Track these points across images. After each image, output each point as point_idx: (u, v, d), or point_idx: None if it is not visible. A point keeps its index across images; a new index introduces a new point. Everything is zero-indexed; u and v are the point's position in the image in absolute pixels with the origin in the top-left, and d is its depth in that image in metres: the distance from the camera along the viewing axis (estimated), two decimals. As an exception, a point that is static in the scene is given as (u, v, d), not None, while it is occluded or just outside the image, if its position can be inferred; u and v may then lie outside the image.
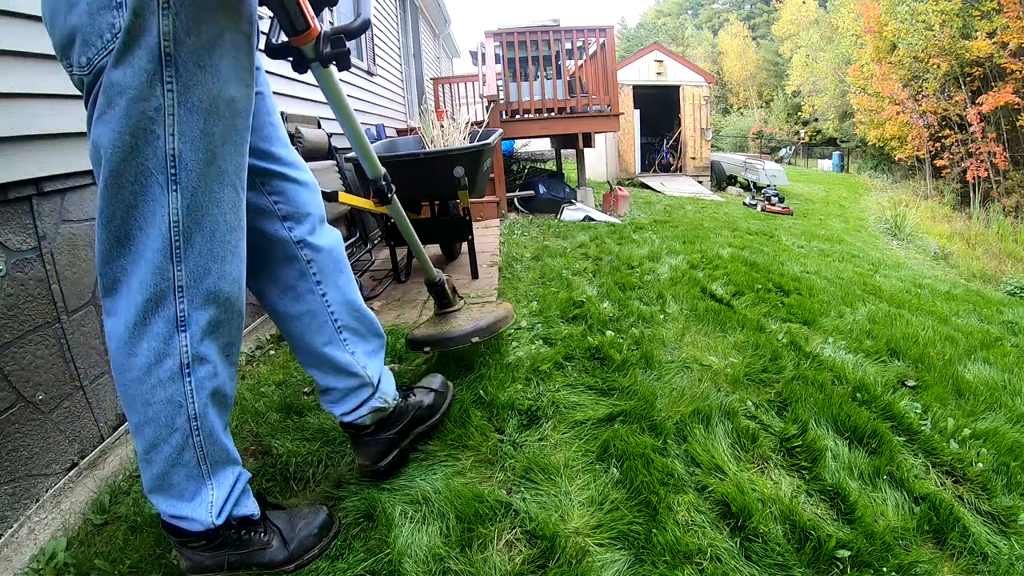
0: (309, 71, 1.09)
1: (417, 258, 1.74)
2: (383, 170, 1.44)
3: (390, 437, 1.35)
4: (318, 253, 1.19)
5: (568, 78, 7.10)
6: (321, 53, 1.03)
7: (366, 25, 1.06)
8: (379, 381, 1.30)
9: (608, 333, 2.15)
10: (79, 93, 1.63)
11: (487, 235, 4.45)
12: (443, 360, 1.96)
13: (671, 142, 15.18)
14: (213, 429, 1.01)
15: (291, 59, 1.04)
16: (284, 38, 1.02)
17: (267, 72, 3.38)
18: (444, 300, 1.86)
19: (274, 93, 3.40)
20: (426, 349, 1.78)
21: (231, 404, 1.08)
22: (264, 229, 1.15)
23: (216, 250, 0.94)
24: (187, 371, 0.95)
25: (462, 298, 1.93)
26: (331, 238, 1.23)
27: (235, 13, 0.88)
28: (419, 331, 1.84)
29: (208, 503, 1.02)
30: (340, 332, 1.23)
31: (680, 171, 14.75)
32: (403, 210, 1.60)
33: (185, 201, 0.88)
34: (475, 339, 1.75)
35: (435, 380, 1.57)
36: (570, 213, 5.71)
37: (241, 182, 0.97)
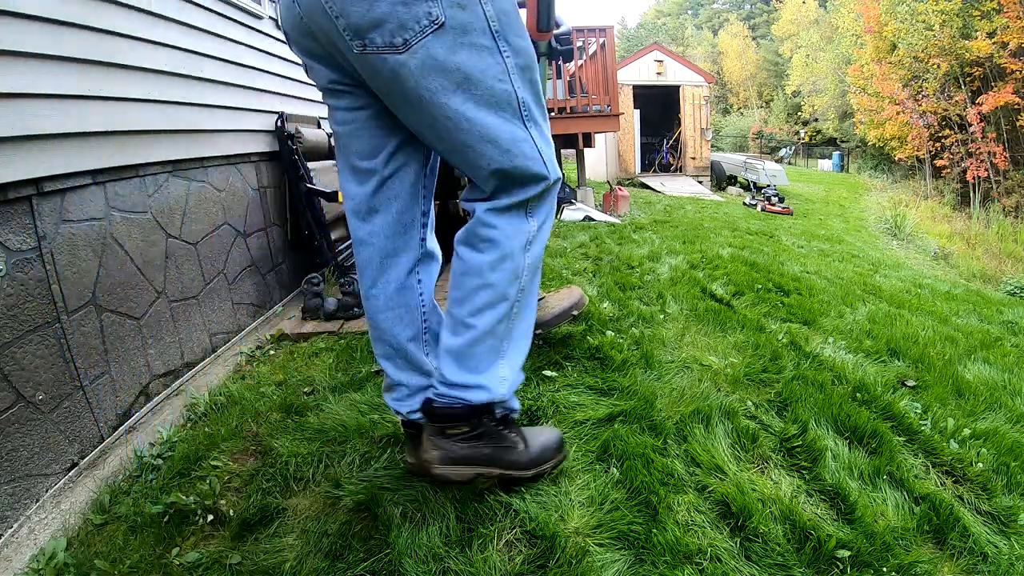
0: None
1: None
2: None
3: None
4: (429, 255, 1.30)
5: (568, 78, 7.09)
6: (554, 49, 1.30)
7: (568, 33, 1.36)
8: None
9: (608, 333, 2.15)
10: (84, 94, 1.65)
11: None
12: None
13: (671, 142, 15.17)
14: (529, 301, 1.19)
15: None
16: None
17: (267, 73, 3.34)
18: None
19: (273, 93, 3.40)
20: (537, 331, 1.91)
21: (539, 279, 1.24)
22: (415, 217, 1.25)
23: (554, 158, 1.14)
24: (528, 247, 1.14)
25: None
26: (437, 246, 1.34)
27: None
28: None
29: (500, 377, 1.16)
30: (425, 333, 1.29)
31: (680, 171, 14.75)
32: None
33: (538, 132, 1.10)
34: (575, 312, 1.97)
35: None
36: (570, 213, 5.71)
37: None
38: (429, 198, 1.28)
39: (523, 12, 1.26)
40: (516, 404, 1.24)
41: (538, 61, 1.25)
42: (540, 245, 1.19)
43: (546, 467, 1.26)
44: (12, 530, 1.30)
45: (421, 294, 1.28)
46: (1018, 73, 14.46)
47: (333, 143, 1.25)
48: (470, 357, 1.14)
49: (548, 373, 1.83)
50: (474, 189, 1.15)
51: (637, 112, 14.20)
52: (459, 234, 1.16)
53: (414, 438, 1.35)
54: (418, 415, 1.30)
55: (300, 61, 1.17)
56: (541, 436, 1.28)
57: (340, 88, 1.14)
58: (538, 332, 1.97)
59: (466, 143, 1.06)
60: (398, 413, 1.34)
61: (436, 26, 0.96)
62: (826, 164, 26.49)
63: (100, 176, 1.74)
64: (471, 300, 1.13)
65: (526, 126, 1.09)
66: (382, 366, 1.31)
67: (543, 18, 1.25)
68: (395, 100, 1.06)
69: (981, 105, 15.42)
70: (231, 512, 1.30)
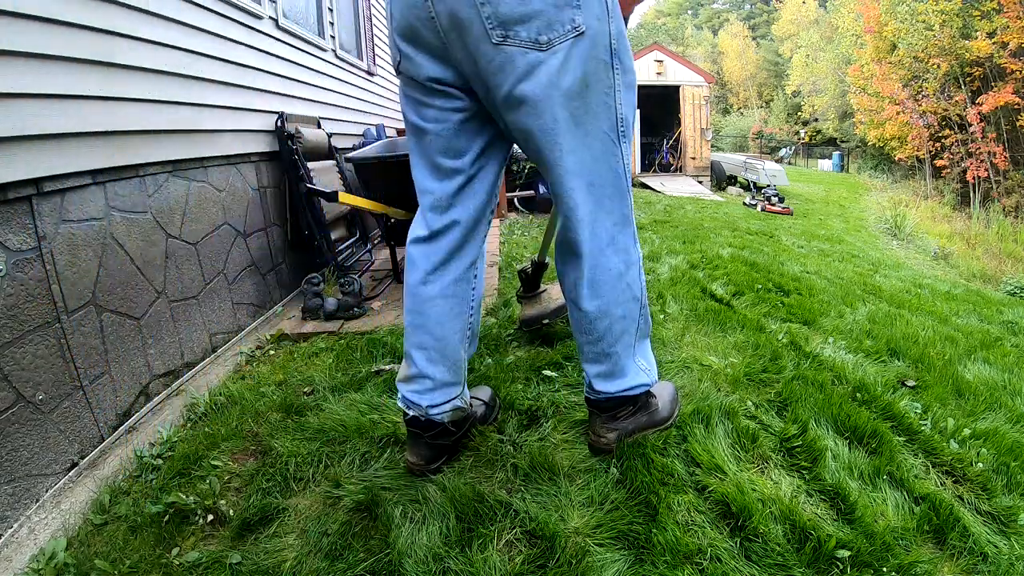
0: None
1: (547, 238, 1.99)
2: None
3: (445, 443, 1.38)
4: (482, 255, 1.37)
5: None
6: None
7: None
8: (464, 383, 1.39)
9: (608, 333, 2.15)
10: (84, 94, 1.66)
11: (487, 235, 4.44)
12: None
13: (671, 142, 15.17)
14: (647, 308, 1.34)
15: None
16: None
17: (267, 73, 3.34)
18: (536, 282, 2.17)
19: (273, 93, 3.39)
20: (545, 322, 2.11)
21: None
22: (485, 214, 1.31)
23: (630, 174, 1.23)
24: (636, 271, 1.26)
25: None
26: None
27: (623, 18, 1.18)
28: (527, 312, 2.15)
29: (643, 370, 1.35)
30: (469, 328, 1.35)
31: (680, 171, 14.75)
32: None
33: (627, 149, 1.19)
34: None
35: (484, 392, 1.60)
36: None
37: None
38: (497, 196, 1.33)
39: None
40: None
41: None
42: (641, 261, 1.30)
43: (676, 414, 1.48)
44: (12, 530, 1.31)
45: (474, 288, 1.34)
46: (1018, 73, 14.46)
47: (407, 137, 1.25)
48: (617, 372, 1.31)
49: (548, 373, 1.83)
50: (573, 221, 1.18)
51: (637, 112, 14.18)
52: (583, 290, 1.24)
53: (416, 438, 1.35)
54: (435, 411, 1.32)
55: (400, 49, 1.16)
56: (664, 392, 1.49)
57: (438, 87, 1.15)
58: (545, 323, 2.11)
59: (568, 149, 1.11)
60: (411, 407, 1.33)
61: (577, 33, 1.03)
62: (826, 164, 26.50)
63: (100, 176, 1.74)
64: (608, 335, 1.27)
65: (619, 142, 1.16)
66: (412, 356, 1.32)
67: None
68: (512, 99, 1.07)
69: (981, 105, 15.42)
70: (231, 512, 1.30)
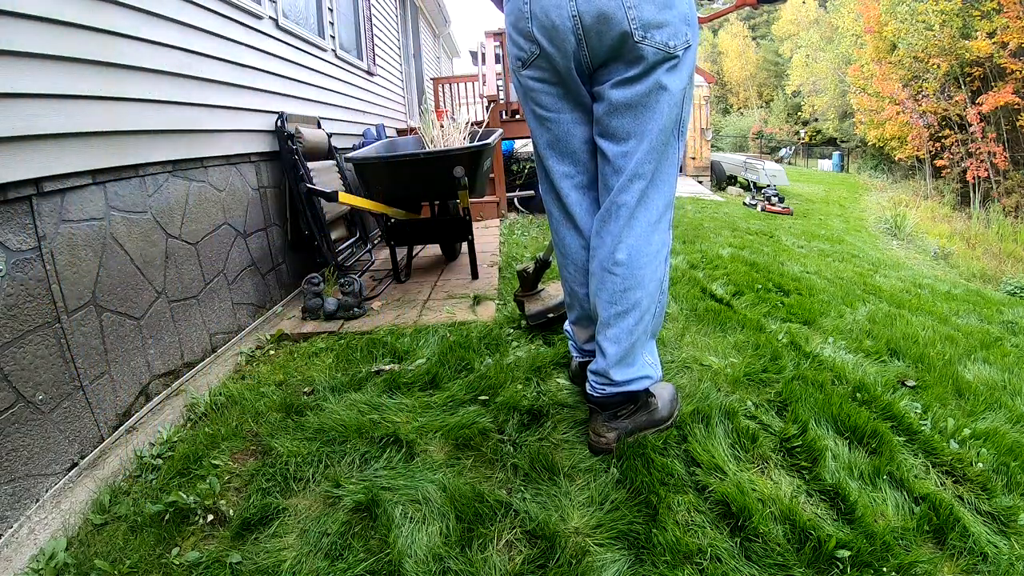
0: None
1: None
2: None
3: None
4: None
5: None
6: None
7: None
8: None
9: (608, 333, 2.15)
10: (84, 94, 1.68)
11: (487, 235, 4.45)
12: (443, 360, 1.96)
13: (671, 142, 15.13)
14: (666, 298, 1.48)
15: None
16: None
17: (267, 73, 3.34)
18: (537, 280, 2.28)
19: (273, 93, 3.39)
20: (549, 315, 2.19)
21: None
22: None
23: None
24: (667, 257, 1.42)
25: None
26: None
27: None
28: (533, 308, 2.24)
29: (647, 363, 1.44)
30: None
31: (680, 171, 14.73)
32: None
33: (682, 149, 1.38)
34: None
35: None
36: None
37: None
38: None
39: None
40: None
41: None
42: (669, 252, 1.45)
43: (675, 414, 1.53)
44: (12, 530, 1.31)
45: None
46: (1018, 73, 14.45)
47: (533, 127, 1.44)
48: (628, 359, 1.39)
49: (548, 373, 1.83)
50: (622, 190, 1.34)
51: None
52: (621, 255, 1.35)
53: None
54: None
55: (540, 45, 1.31)
56: (664, 392, 1.54)
57: (559, 76, 1.35)
58: (549, 316, 2.18)
59: (654, 128, 1.30)
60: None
61: (688, 46, 1.28)
62: (826, 164, 26.49)
63: (100, 176, 1.74)
64: (637, 309, 1.37)
65: (678, 139, 1.38)
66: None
67: None
68: (632, 81, 1.28)
69: (981, 105, 15.40)
70: (231, 512, 1.30)
